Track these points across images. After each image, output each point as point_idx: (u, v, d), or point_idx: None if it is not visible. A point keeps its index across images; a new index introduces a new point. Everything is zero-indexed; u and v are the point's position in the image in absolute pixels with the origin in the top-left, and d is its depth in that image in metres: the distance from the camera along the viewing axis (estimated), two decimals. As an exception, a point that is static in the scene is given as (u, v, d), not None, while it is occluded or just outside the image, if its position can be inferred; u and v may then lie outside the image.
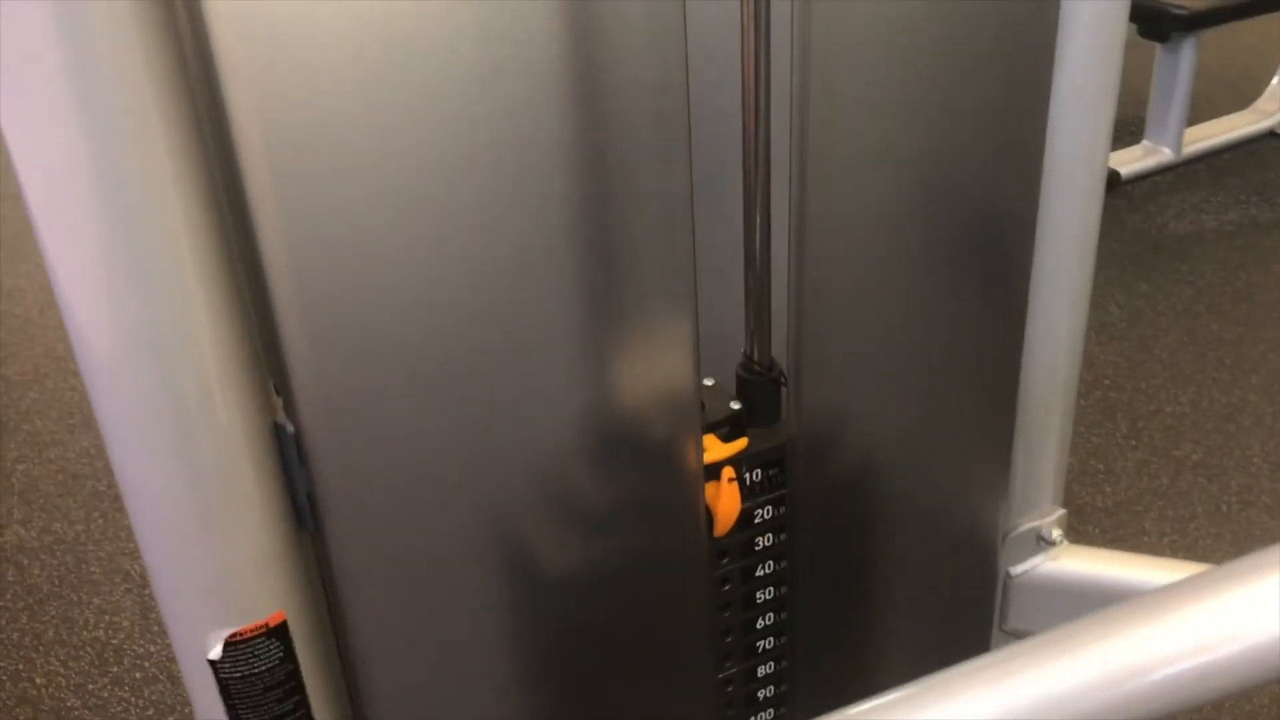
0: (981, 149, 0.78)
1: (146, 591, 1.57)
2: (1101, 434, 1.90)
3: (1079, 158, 0.83)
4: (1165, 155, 2.52)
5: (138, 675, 1.46)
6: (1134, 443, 1.88)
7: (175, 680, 1.44)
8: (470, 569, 0.71)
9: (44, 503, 1.75)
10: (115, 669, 1.48)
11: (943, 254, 0.80)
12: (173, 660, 1.43)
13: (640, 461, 0.74)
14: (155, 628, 1.52)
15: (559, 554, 0.74)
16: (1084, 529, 1.70)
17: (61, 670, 1.48)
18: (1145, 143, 2.56)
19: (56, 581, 1.62)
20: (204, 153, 0.56)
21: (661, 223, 0.67)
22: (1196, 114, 2.57)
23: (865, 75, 0.71)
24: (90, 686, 1.45)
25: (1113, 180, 2.31)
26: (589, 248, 0.66)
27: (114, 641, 1.52)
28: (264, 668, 0.67)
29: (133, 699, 1.43)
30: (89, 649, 1.51)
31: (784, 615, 0.87)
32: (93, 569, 1.63)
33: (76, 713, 1.42)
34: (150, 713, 1.43)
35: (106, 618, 1.55)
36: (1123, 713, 0.55)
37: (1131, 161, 2.51)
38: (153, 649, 1.48)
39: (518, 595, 0.74)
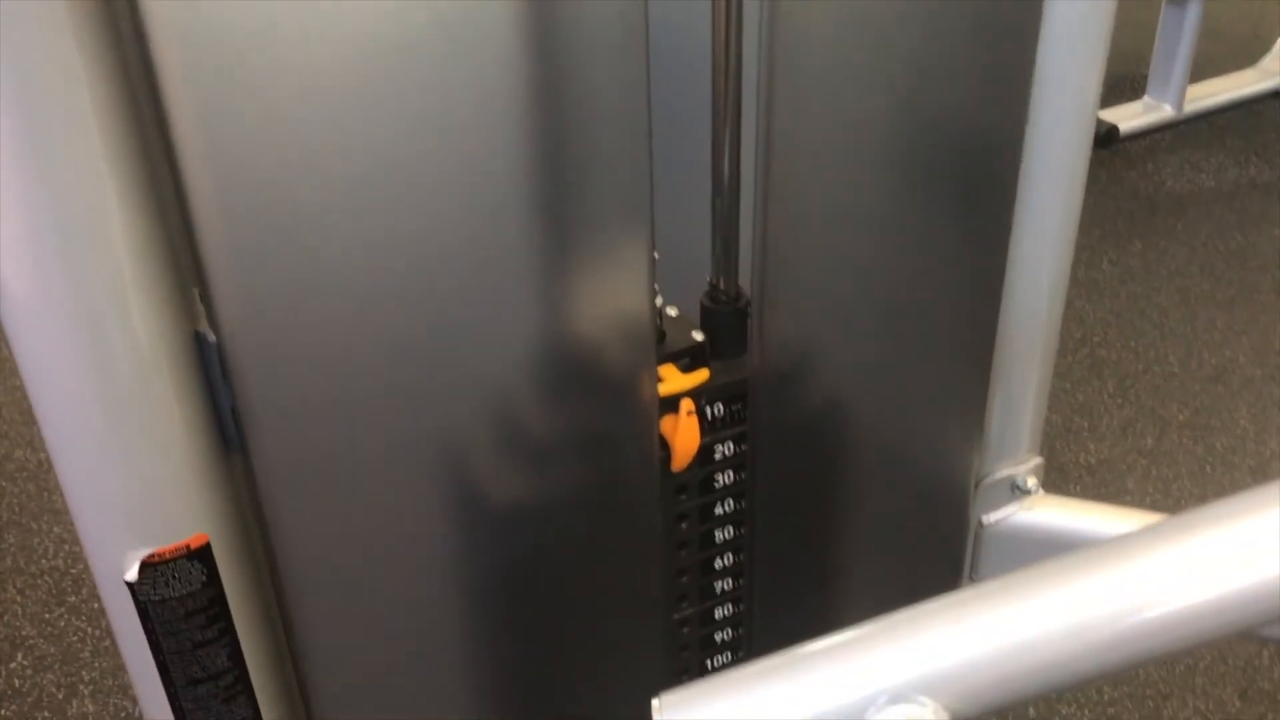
0: (965, 73, 0.74)
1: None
2: (1088, 391, 1.88)
3: (1068, 91, 0.79)
4: (1166, 112, 2.48)
5: (95, 605, 1.44)
6: (1120, 401, 1.87)
7: (132, 611, 1.41)
8: (407, 495, 0.69)
9: (6, 429, 1.73)
10: (73, 598, 1.46)
11: (920, 185, 0.76)
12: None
13: (592, 389, 0.72)
14: (114, 558, 1.48)
15: (504, 482, 0.72)
16: (1066, 486, 1.69)
17: (18, 598, 1.46)
18: (1146, 99, 2.52)
19: (17, 509, 1.59)
20: (117, 39, 0.52)
21: (615, 135, 0.64)
22: (1199, 71, 2.52)
23: (843, -15, 0.67)
24: (47, 615, 1.44)
25: (1111, 135, 2.26)
26: (538, 161, 0.63)
27: (73, 571, 1.50)
28: (184, 591, 0.64)
29: (89, 629, 1.42)
30: (47, 578, 1.49)
31: (743, 557, 0.85)
32: (55, 498, 1.61)
33: (31, 641, 1.40)
34: (106, 643, 1.41)
35: (66, 547, 1.53)
36: (1089, 659, 0.53)
37: (1131, 117, 2.47)
38: (110, 579, 1.45)
39: (460, 526, 0.71)
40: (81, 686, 1.34)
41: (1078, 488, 1.67)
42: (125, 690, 1.32)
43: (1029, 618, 0.53)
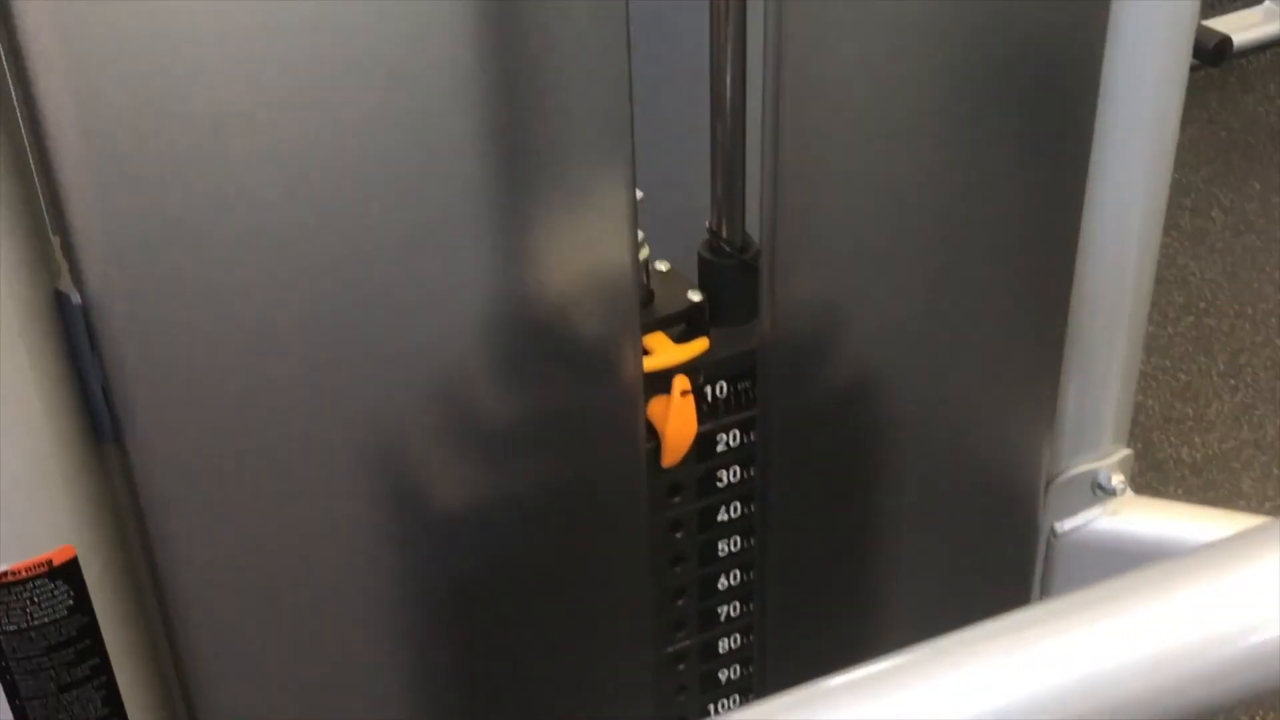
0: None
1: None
2: (1192, 370, 1.88)
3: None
4: (1293, 21, 2.46)
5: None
6: (1233, 382, 1.87)
7: None
8: (327, 496, 0.68)
9: None
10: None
11: (975, 105, 0.76)
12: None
13: (560, 365, 0.72)
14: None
15: (448, 481, 0.72)
16: (1164, 489, 1.69)
17: None
18: (1268, 3, 2.50)
19: None
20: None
21: (586, 41, 0.64)
22: (1336, -32, 2.51)
23: None
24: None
25: (1222, 49, 2.25)
26: (486, 73, 0.62)
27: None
28: (46, 619, 0.63)
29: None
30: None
31: (752, 575, 0.85)
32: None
33: None
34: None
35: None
36: (1185, 693, 0.53)
37: (1249, 27, 2.46)
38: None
39: (394, 536, 0.71)
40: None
41: (1180, 491, 1.67)
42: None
43: (1109, 643, 0.53)
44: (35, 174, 0.58)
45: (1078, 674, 0.52)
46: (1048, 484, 0.93)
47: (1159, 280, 1.97)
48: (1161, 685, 0.53)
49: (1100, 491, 0.93)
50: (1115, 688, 0.53)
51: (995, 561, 0.93)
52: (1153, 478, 1.69)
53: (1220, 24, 2.40)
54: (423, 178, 0.63)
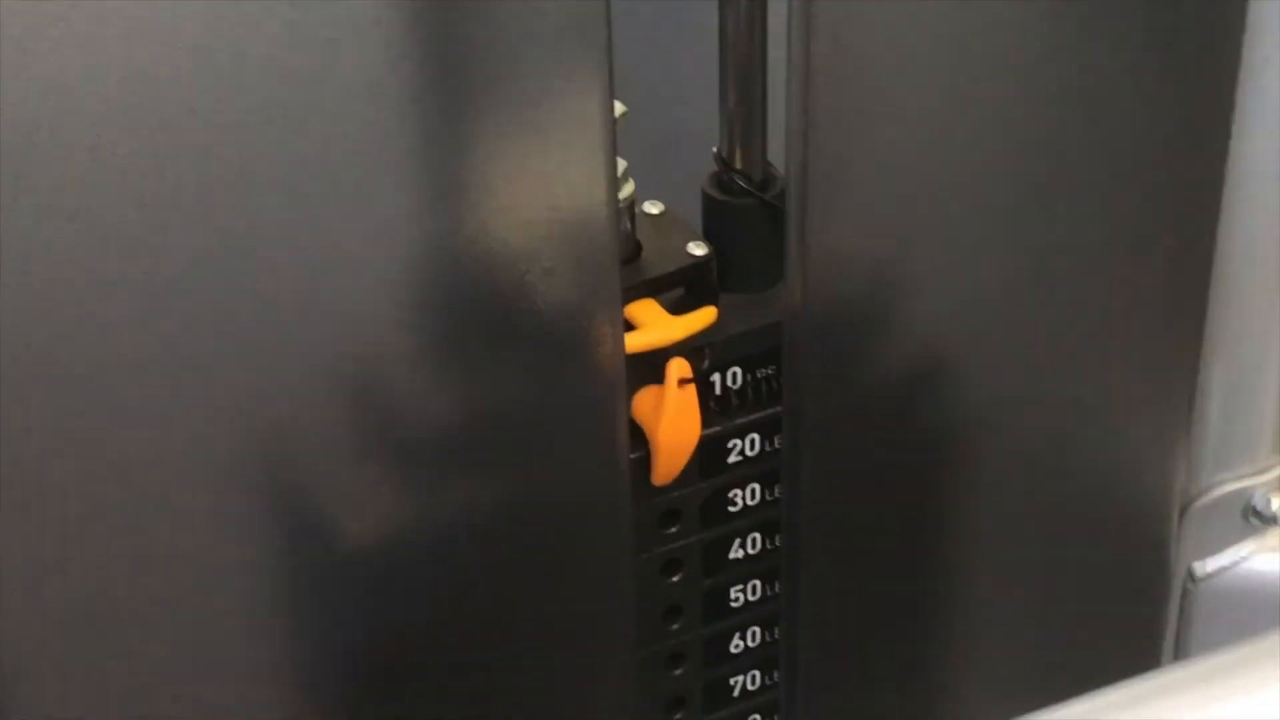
0: None
1: None
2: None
3: None
4: None
5: None
6: None
7: None
8: (190, 516, 0.68)
9: None
10: None
11: (1092, 10, 0.75)
12: None
13: (510, 342, 0.70)
14: None
15: (362, 507, 0.71)
16: None
17: None
18: None
19: None
20: None
21: None
22: None
23: None
24: None
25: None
26: None
27: None
28: None
29: None
30: None
31: (777, 635, 0.84)
32: None
33: None
34: None
35: None
36: None
37: None
38: None
39: (280, 575, 0.71)
40: None
41: None
42: None
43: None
44: None
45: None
46: (1184, 510, 0.92)
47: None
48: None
49: (1255, 518, 0.93)
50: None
51: (1113, 614, 0.92)
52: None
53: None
54: (320, 80, 0.62)
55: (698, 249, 0.76)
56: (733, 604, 0.83)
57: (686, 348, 0.75)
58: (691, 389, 0.75)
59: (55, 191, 0.60)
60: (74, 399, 0.65)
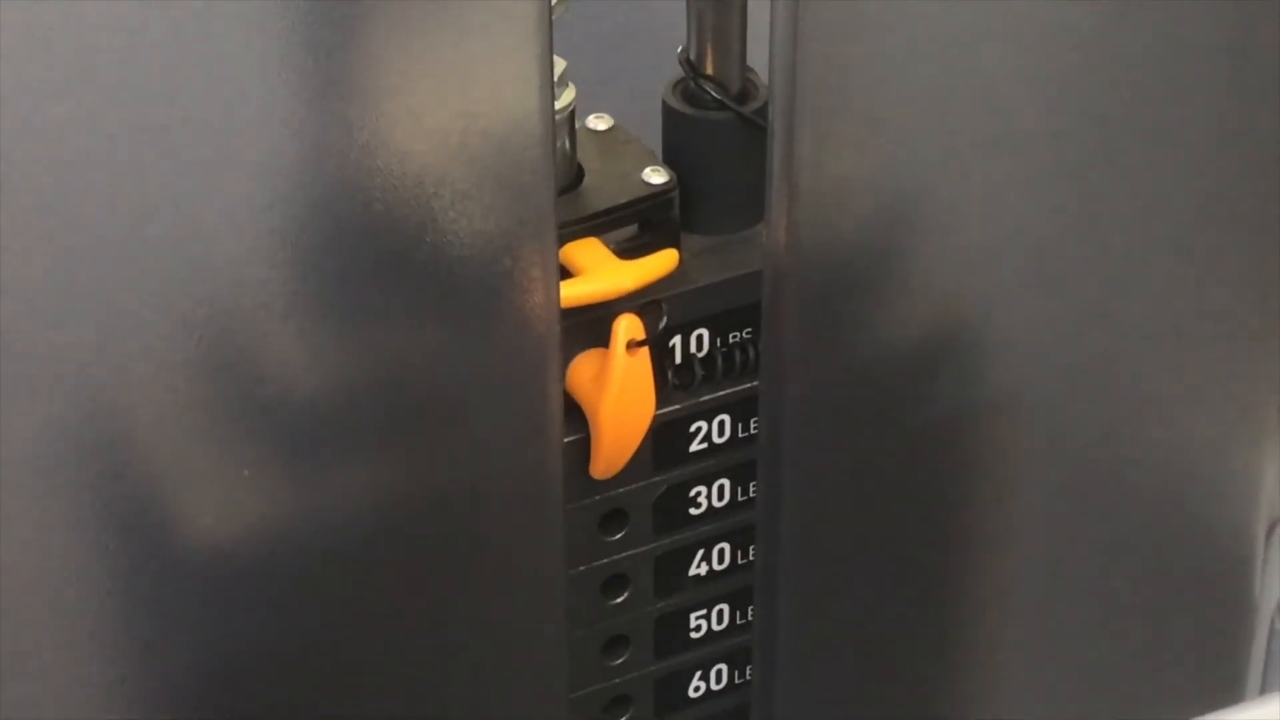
0: None
1: None
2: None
3: None
4: None
5: None
6: None
7: None
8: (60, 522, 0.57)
9: None
10: None
11: None
12: None
13: (418, 295, 0.59)
14: None
15: (229, 504, 0.60)
16: None
17: None
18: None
19: None
20: None
21: None
22: None
23: None
24: None
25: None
26: None
27: None
28: None
29: None
30: None
31: (749, 675, 0.72)
32: None
33: None
34: None
35: None
36: None
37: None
38: None
39: (140, 578, 0.59)
40: None
41: None
42: None
43: None
44: None
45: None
46: (1270, 532, 0.80)
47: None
48: None
49: None
50: None
51: (1184, 649, 0.79)
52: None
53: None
54: None
55: (656, 176, 0.64)
56: (693, 634, 0.71)
57: (639, 302, 0.63)
58: (645, 355, 0.63)
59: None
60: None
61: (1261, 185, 0.71)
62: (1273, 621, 0.78)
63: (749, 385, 0.65)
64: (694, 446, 0.66)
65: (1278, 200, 0.71)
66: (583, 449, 0.63)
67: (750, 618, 0.71)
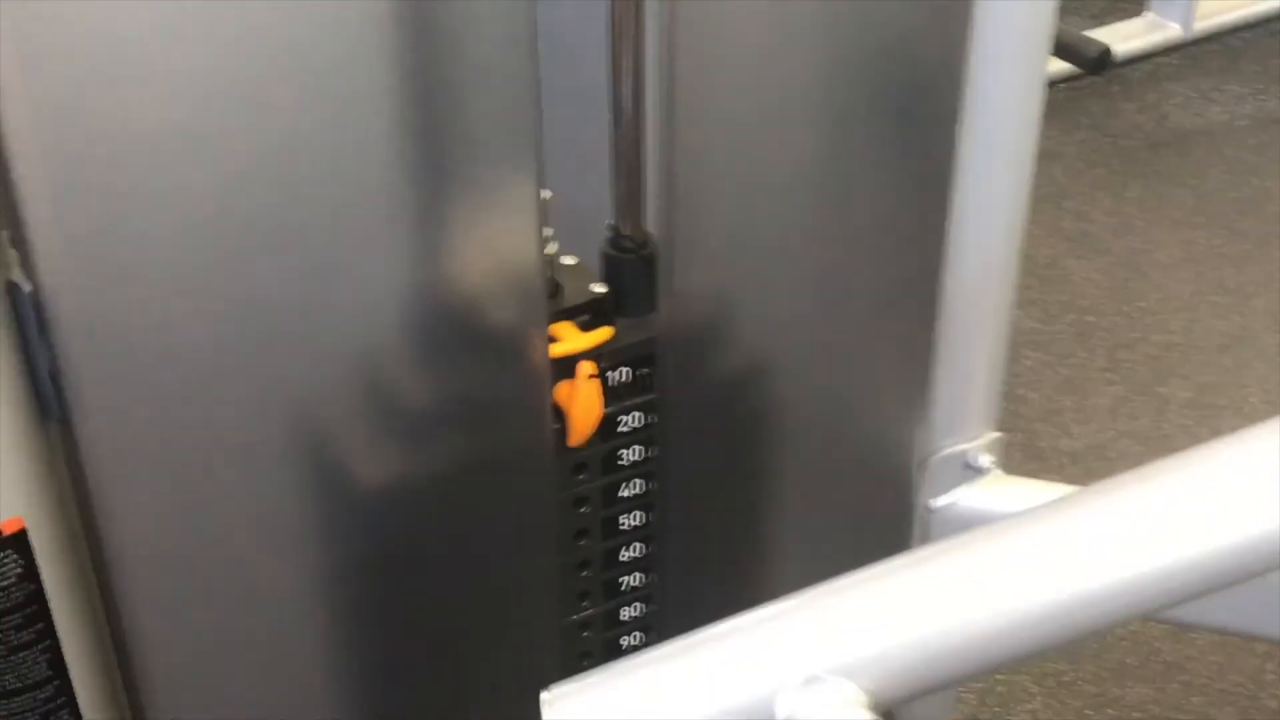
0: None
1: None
2: (1073, 365, 1.95)
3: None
4: (1172, 31, 2.56)
5: None
6: (1112, 376, 1.93)
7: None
8: (256, 474, 0.72)
9: None
10: None
11: (845, 111, 0.80)
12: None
13: (472, 352, 0.75)
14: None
15: (368, 460, 0.75)
16: (1045, 476, 1.74)
17: None
18: (1149, 15, 2.59)
19: None
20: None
21: (494, 49, 0.68)
22: (1212, -17, 2.61)
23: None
24: None
25: (1105, 59, 2.34)
26: (403, 81, 0.66)
27: None
28: (-5, 586, 0.66)
29: None
30: None
31: (653, 547, 0.89)
32: None
33: None
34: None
35: None
36: (1023, 634, 0.58)
37: (1131, 37, 2.55)
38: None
39: (318, 509, 0.74)
40: None
41: (1059, 478, 1.72)
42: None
43: (956, 590, 0.59)
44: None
45: (934, 618, 0.59)
46: (921, 463, 0.96)
47: (1043, 279, 2.08)
48: (1005, 625, 0.59)
49: (970, 470, 0.97)
50: (967, 626, 0.59)
51: (874, 533, 0.96)
52: (1036, 466, 1.75)
53: (1103, 34, 2.48)
54: (346, 182, 0.67)
55: (598, 288, 0.82)
56: (622, 527, 0.88)
57: (591, 354, 0.81)
58: (596, 382, 0.81)
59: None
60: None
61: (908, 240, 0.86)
62: (923, 517, 0.95)
63: (651, 396, 0.84)
64: (621, 429, 0.84)
65: (921, 241, 0.87)
66: (563, 431, 0.81)
67: (653, 518, 0.88)
